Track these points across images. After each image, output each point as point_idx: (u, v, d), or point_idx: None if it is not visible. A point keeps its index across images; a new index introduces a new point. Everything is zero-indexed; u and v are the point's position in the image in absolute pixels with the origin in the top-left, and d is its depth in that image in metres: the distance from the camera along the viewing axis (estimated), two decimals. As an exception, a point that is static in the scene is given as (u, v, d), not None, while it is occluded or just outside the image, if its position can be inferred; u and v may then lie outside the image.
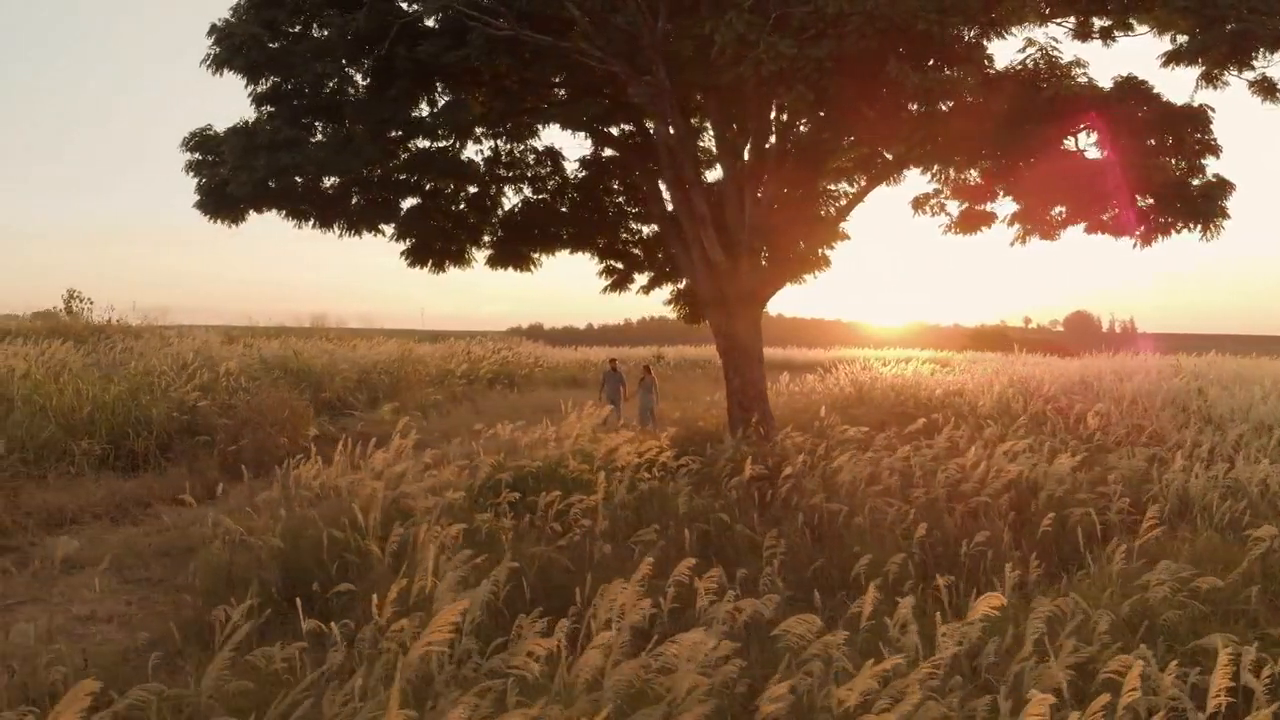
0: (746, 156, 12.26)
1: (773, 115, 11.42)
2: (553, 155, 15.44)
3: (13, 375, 14.29)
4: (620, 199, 15.74)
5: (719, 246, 11.57)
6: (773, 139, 11.14)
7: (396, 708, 3.00)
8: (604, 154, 14.80)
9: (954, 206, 12.03)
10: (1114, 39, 12.76)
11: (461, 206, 15.39)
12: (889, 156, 11.88)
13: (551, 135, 15.77)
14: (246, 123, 12.57)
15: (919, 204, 12.18)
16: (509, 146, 15.21)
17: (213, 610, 7.13)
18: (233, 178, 12.36)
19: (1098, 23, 12.48)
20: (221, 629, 5.24)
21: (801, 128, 11.10)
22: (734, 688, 4.11)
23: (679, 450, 10.65)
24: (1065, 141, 10.22)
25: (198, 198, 13.51)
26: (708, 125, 13.00)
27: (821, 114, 9.69)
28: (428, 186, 14.24)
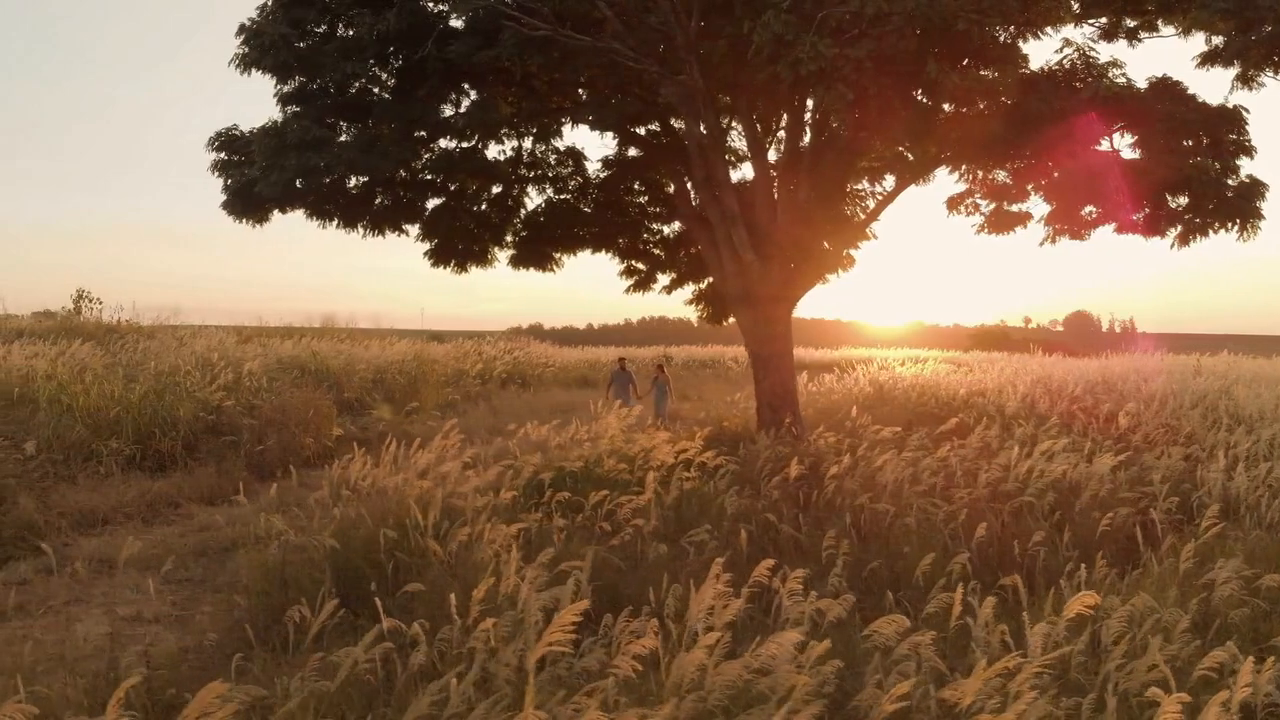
0: (773, 156, 12.29)
1: (807, 115, 11.43)
2: (574, 155, 15.45)
3: (36, 376, 14.27)
4: (642, 199, 15.74)
5: (750, 246, 11.58)
6: (807, 138, 11.13)
7: (531, 707, 2.99)
8: (628, 154, 14.80)
9: (988, 206, 12.05)
10: (1139, 39, 12.80)
11: (483, 207, 15.40)
12: (912, 157, 11.89)
13: (573, 135, 15.89)
14: (275, 123, 12.54)
15: (954, 204, 12.20)
16: (531, 146, 15.23)
17: (262, 611, 7.21)
18: (262, 178, 12.35)
19: (1125, 24, 12.52)
20: (296, 629, 5.22)
21: (836, 127, 11.08)
22: (822, 689, 4.09)
23: (712, 450, 10.62)
24: (1101, 142, 10.23)
25: (224, 198, 13.51)
26: (735, 124, 13.00)
27: (859, 114, 9.67)
28: (452, 187, 14.23)
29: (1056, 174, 11.40)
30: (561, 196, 15.32)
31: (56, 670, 6.03)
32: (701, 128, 11.49)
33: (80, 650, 6.92)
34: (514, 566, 4.93)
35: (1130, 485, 9.12)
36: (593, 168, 15.62)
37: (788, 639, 3.99)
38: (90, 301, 30.47)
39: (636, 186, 15.75)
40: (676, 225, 15.83)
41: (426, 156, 13.30)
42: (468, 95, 12.57)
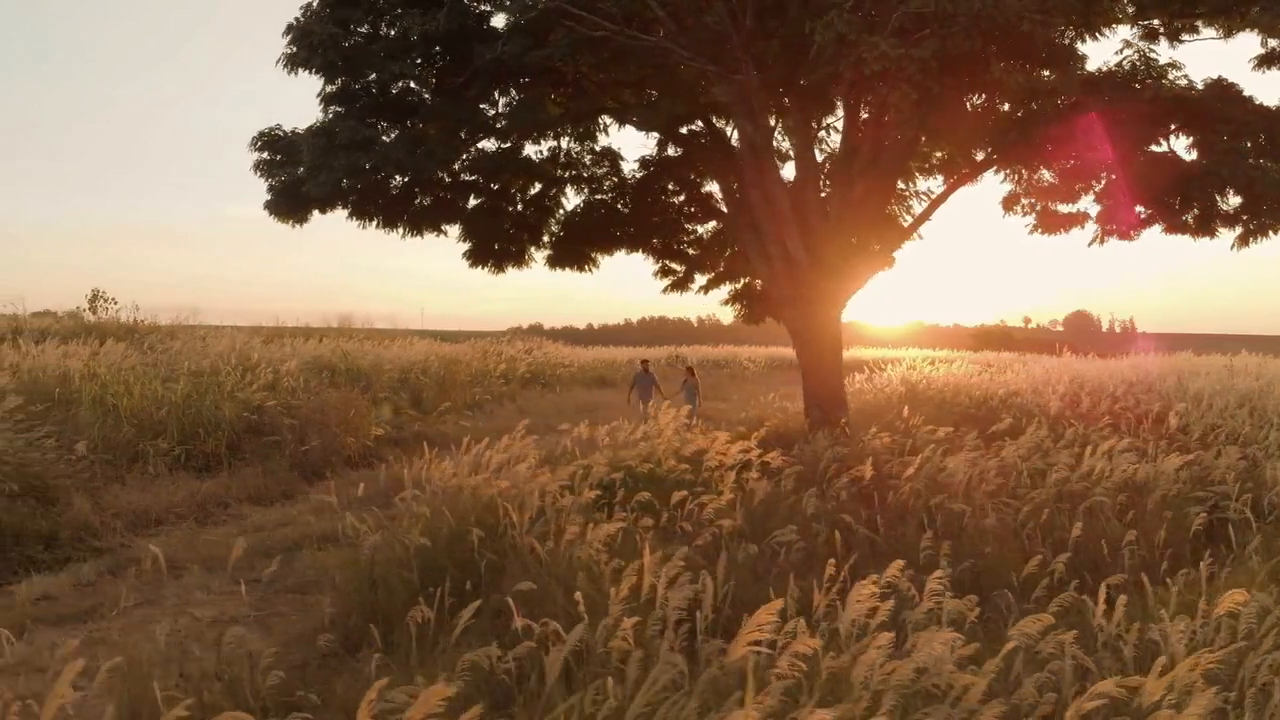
0: (819, 155, 12.32)
1: (862, 115, 11.44)
2: (611, 156, 15.46)
3: (74, 375, 14.23)
4: (677, 199, 15.74)
5: (801, 245, 11.59)
6: (863, 138, 11.14)
7: (752, 705, 2.99)
8: (667, 154, 14.83)
9: (1041, 206, 12.09)
10: (1181, 41, 12.83)
11: (519, 207, 15.40)
12: (977, 157, 11.93)
13: (608, 136, 15.83)
14: (324, 123, 12.52)
15: (1009, 204, 12.24)
16: (567, 146, 15.24)
17: (356, 610, 7.19)
18: (310, 178, 12.34)
19: (1175, 25, 12.54)
20: (417, 627, 5.21)
21: (895, 128, 11.11)
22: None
23: (767, 451, 10.60)
24: (1160, 143, 10.27)
25: (268, 198, 13.50)
26: (782, 124, 12.99)
27: (922, 114, 9.69)
28: (495, 187, 14.23)
29: (1112, 175, 11.45)
30: (600, 196, 15.32)
31: (153, 672, 5.97)
32: (755, 127, 11.49)
33: (167, 653, 6.89)
34: (646, 565, 4.91)
35: (1194, 484, 9.15)
36: (628, 168, 15.67)
37: (943, 637, 3.99)
38: (105, 301, 30.45)
39: (671, 187, 15.77)
40: (712, 225, 15.86)
41: (468, 157, 13.29)
42: (514, 95, 12.54)
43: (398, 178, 12.97)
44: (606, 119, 13.80)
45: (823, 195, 12.14)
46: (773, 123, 12.65)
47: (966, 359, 30.88)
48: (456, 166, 13.73)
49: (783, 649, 3.96)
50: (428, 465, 8.49)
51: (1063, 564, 6.12)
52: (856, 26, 9.48)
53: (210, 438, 13.13)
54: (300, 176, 12.87)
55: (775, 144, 13.91)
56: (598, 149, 15.49)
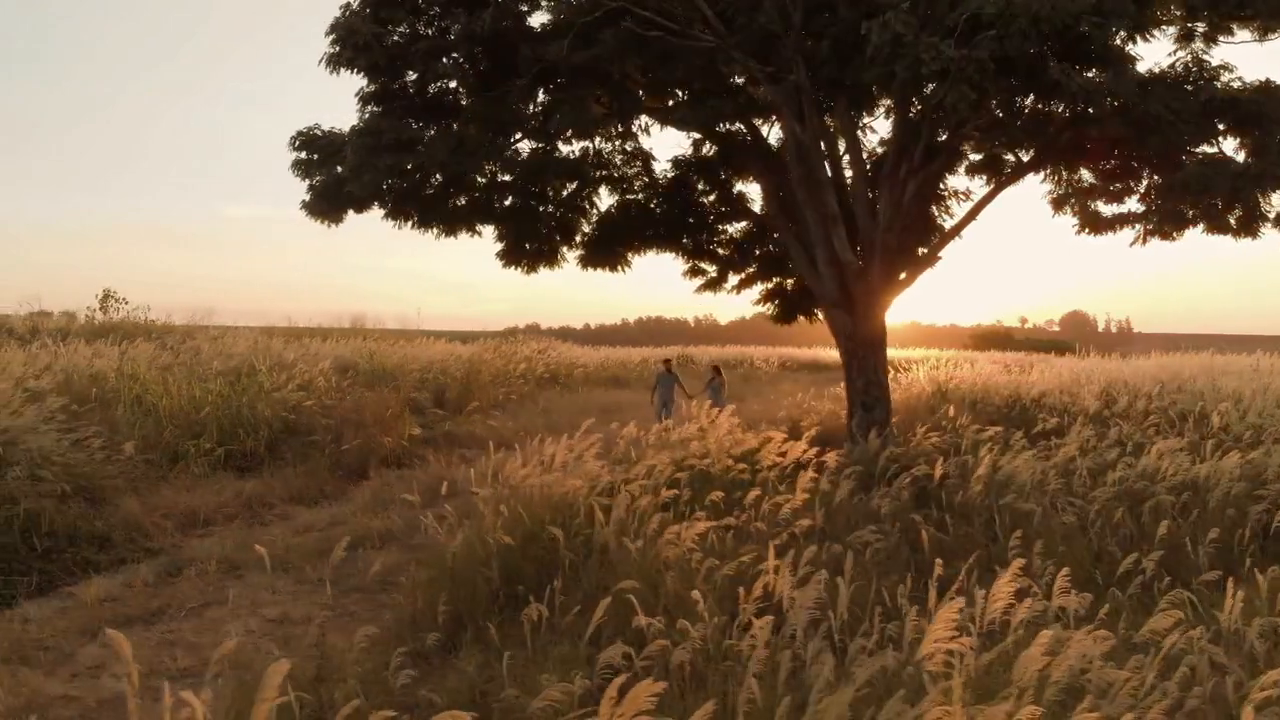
0: (860, 156, 12.33)
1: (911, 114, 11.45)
2: (642, 155, 15.46)
3: (107, 376, 14.21)
4: (708, 198, 15.74)
5: (849, 246, 11.62)
6: (920, 138, 11.15)
7: (960, 702, 3.01)
8: (702, 153, 14.84)
9: (1093, 207, 12.16)
10: (1215, 43, 12.88)
11: (549, 207, 15.38)
12: (1024, 158, 11.97)
13: (646, 136, 15.87)
14: (368, 123, 12.49)
15: (1059, 204, 12.30)
16: (598, 146, 15.24)
17: (440, 608, 7.17)
18: (353, 177, 12.32)
19: (1207, 27, 12.59)
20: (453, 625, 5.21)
21: (950, 128, 11.14)
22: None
23: (816, 450, 10.62)
24: (1211, 144, 10.32)
25: (307, 197, 13.47)
26: (831, 125, 13.00)
27: (979, 115, 9.72)
28: (534, 188, 14.23)
29: (1156, 176, 11.52)
30: (634, 196, 15.33)
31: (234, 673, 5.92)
32: (805, 128, 11.50)
33: (248, 654, 6.88)
34: (772, 564, 4.92)
35: (1250, 483, 9.20)
36: (659, 168, 15.67)
37: (1095, 636, 4.01)
38: (116, 301, 30.36)
39: (701, 186, 15.77)
40: (743, 225, 15.87)
41: (510, 157, 13.28)
42: (557, 96, 12.51)
43: (436, 178, 12.95)
44: (645, 119, 13.82)
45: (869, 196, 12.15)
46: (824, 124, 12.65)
47: (985, 360, 30.95)
48: (494, 167, 13.71)
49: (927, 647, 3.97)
50: (493, 464, 8.44)
51: (1153, 561, 6.15)
52: (913, 27, 9.51)
53: (249, 437, 13.11)
54: (341, 176, 12.85)
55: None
56: (629, 149, 15.52)
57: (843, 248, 11.58)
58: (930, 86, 10.00)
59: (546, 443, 9.19)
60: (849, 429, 12.16)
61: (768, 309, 15.74)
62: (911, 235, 12.19)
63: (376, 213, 13.78)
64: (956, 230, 12.11)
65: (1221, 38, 12.83)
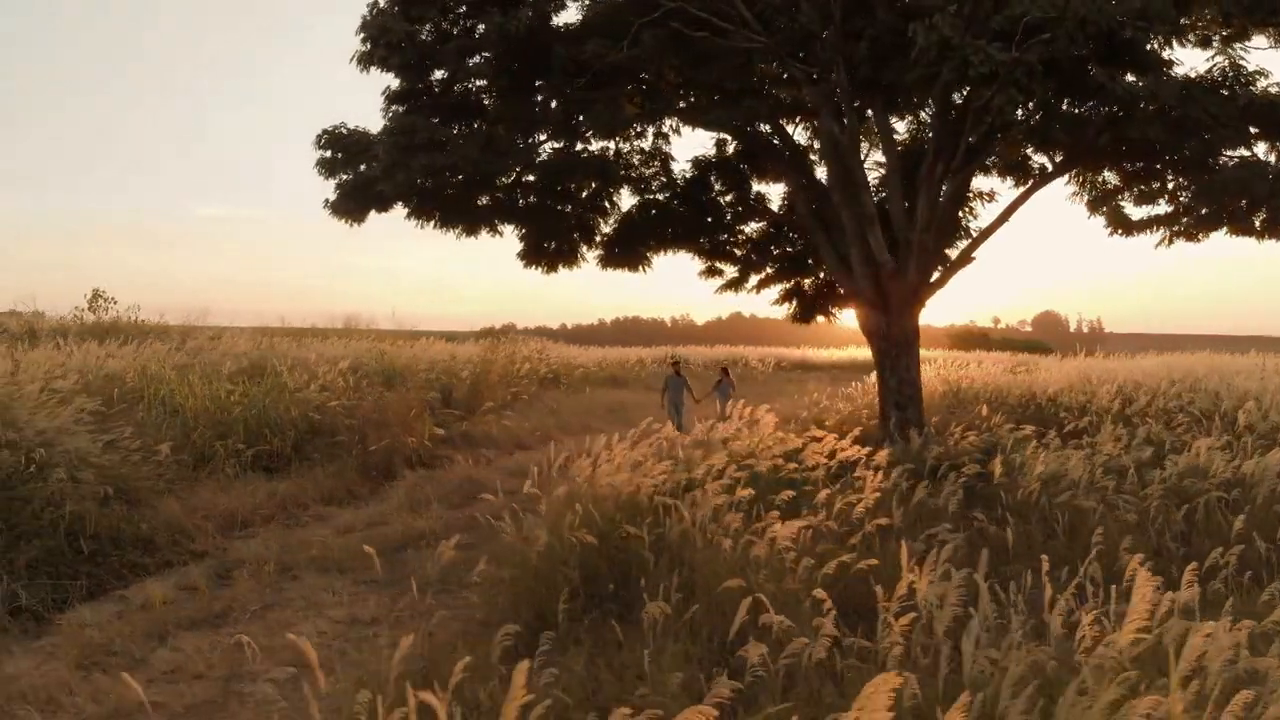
0: (895, 156, 12.43)
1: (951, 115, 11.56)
2: (661, 155, 15.50)
3: (129, 376, 14.03)
4: (726, 198, 15.80)
5: (884, 246, 11.72)
6: (959, 140, 11.25)
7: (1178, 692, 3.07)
8: (725, 153, 14.90)
9: (1130, 208, 12.38)
10: (1234, 48, 13.11)
11: (571, 207, 15.38)
12: (1055, 160, 12.12)
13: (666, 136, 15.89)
14: (401, 122, 12.41)
15: (1094, 206, 12.48)
16: (617, 146, 15.25)
17: (526, 608, 7.14)
18: (385, 177, 12.25)
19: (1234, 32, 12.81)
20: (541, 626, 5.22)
21: (989, 130, 11.26)
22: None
23: (859, 448, 10.68)
24: (1248, 147, 10.53)
25: (333, 196, 13.38)
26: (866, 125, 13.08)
27: (1024, 118, 9.86)
28: (559, 188, 14.22)
29: (1181, 179, 11.73)
30: (656, 196, 15.36)
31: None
32: (843, 128, 11.59)
33: (327, 657, 6.84)
34: (904, 560, 4.97)
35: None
36: (678, 168, 15.72)
37: (1239, 627, 4.09)
38: (105, 301, 29.84)
39: (720, 186, 15.83)
40: (762, 225, 15.95)
41: (540, 157, 13.27)
42: (593, 95, 12.49)
43: (459, 177, 12.91)
44: (671, 119, 13.84)
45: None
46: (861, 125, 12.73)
47: (989, 361, 31.26)
48: (521, 167, 13.70)
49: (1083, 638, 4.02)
50: (553, 463, 8.44)
51: (1234, 556, 6.26)
52: (960, 30, 9.61)
53: (276, 438, 13.00)
54: (370, 175, 12.78)
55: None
56: (646, 149, 15.55)
57: (879, 248, 11.68)
58: (966, 90, 10.11)
59: (597, 441, 9.14)
60: (883, 428, 12.26)
61: (787, 309, 15.81)
62: (943, 235, 12.32)
63: (410, 211, 13.73)
64: (989, 231, 12.25)
65: (1237, 44, 13.07)
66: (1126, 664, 4.01)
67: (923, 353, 39.00)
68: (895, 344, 12.18)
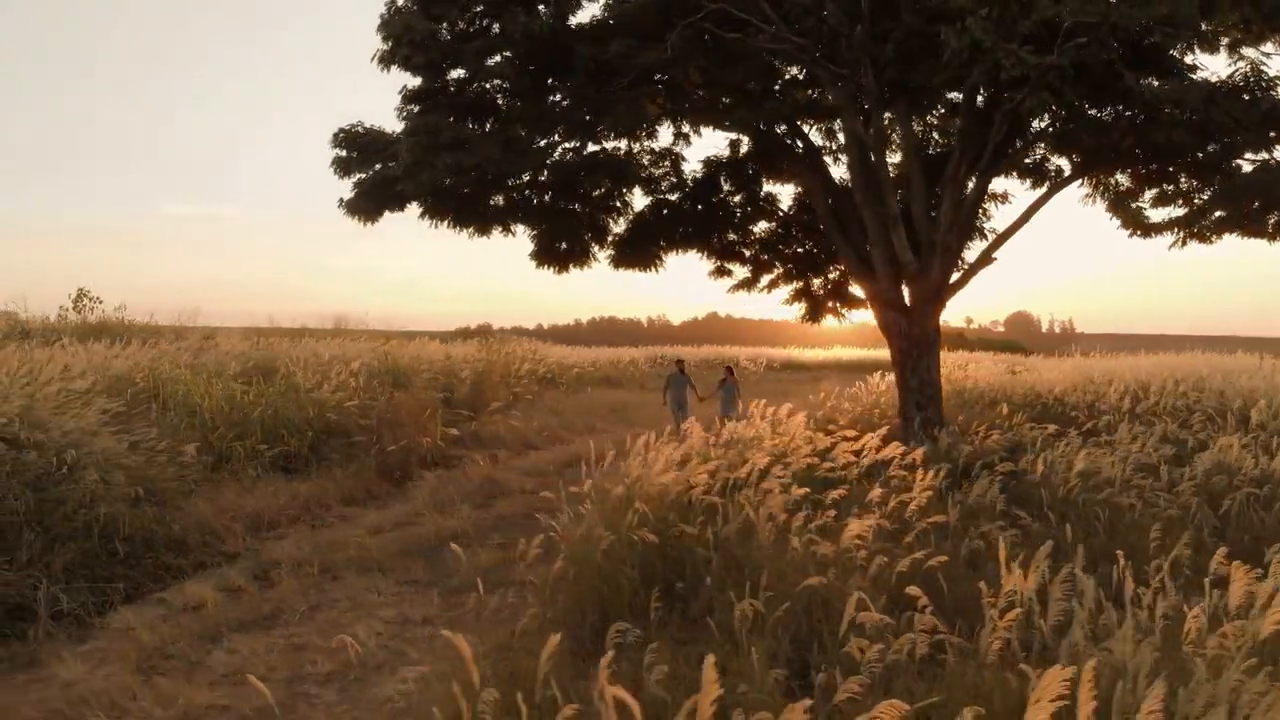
0: (919, 158, 12.58)
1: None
2: (672, 156, 15.54)
3: (139, 376, 13.87)
4: (738, 198, 15.87)
5: (908, 247, 11.83)
6: (986, 142, 11.38)
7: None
8: (739, 154, 14.97)
9: (1146, 210, 12.59)
10: (1239, 54, 13.36)
11: (584, 207, 15.38)
12: (1074, 161, 12.29)
13: (669, 136, 16.00)
14: (424, 121, 12.34)
15: (1115, 208, 12.65)
16: (629, 146, 15.27)
17: (578, 610, 7.15)
18: (409, 176, 12.20)
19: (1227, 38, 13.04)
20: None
21: (1016, 132, 11.41)
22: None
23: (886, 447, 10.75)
24: (1269, 151, 10.74)
25: (350, 195, 13.31)
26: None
27: (1050, 121, 10.00)
28: (573, 188, 14.23)
29: (1195, 181, 11.96)
30: (669, 196, 15.41)
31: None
32: (865, 129, 11.69)
33: (383, 657, 6.81)
34: (1003, 556, 5.04)
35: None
36: (688, 168, 15.76)
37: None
38: (90, 301, 29.42)
39: (729, 187, 15.89)
40: (771, 225, 16.04)
41: (560, 157, 13.29)
42: (615, 96, 12.51)
43: (489, 176, 12.88)
44: (690, 120, 13.88)
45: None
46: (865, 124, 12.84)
47: (973, 360, 31.55)
48: (541, 167, 13.70)
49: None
50: (618, 462, 8.44)
51: None
52: (991, 34, 9.72)
53: (293, 439, 12.91)
54: (390, 174, 12.73)
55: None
56: (656, 149, 15.58)
57: (902, 248, 11.79)
58: (991, 92, 10.22)
59: (640, 441, 9.14)
60: (905, 428, 12.36)
61: (797, 309, 15.91)
62: (962, 237, 12.47)
63: (424, 210, 13.68)
64: (1010, 232, 12.40)
65: (1244, 48, 13.31)
66: (1251, 654, 4.07)
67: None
68: (916, 344, 12.30)
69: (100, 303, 29.26)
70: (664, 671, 5.51)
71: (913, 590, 5.08)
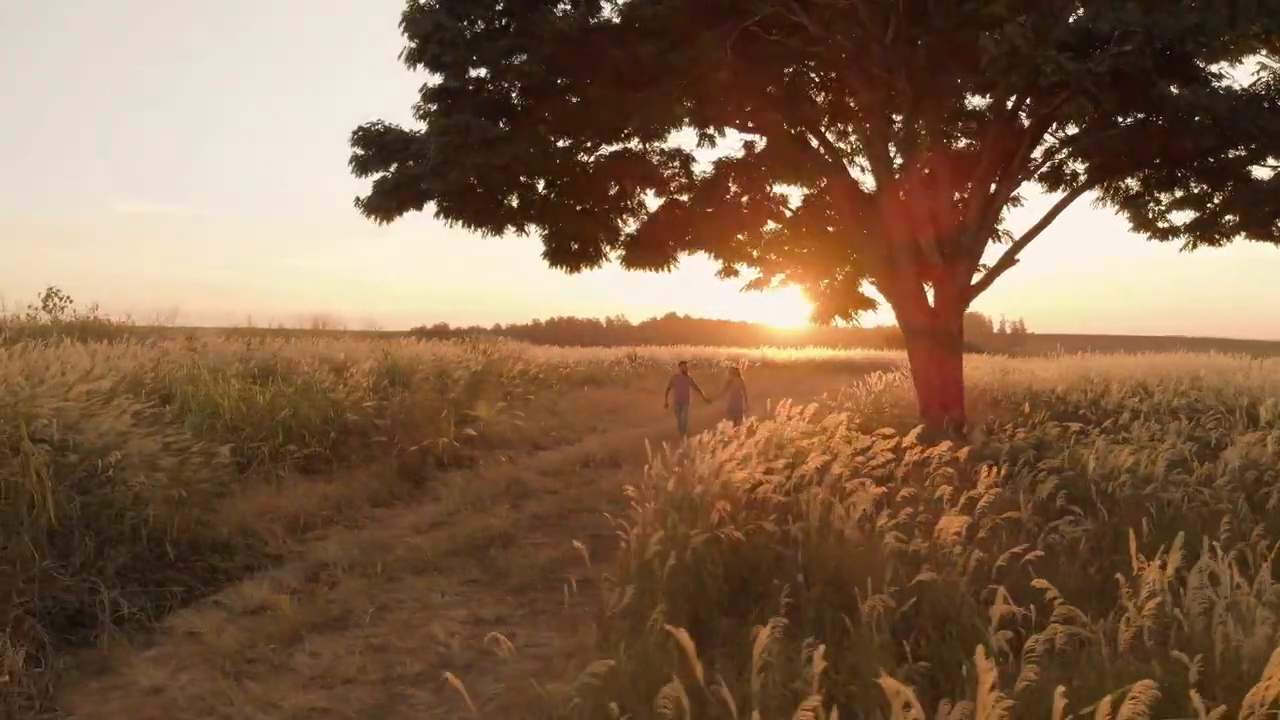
0: (947, 160, 12.83)
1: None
2: (681, 156, 15.65)
3: (148, 377, 13.62)
4: (748, 199, 16.00)
5: (935, 247, 12.05)
6: (1018, 146, 11.64)
7: None
8: (755, 154, 15.12)
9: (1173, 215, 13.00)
10: (1240, 61, 13.82)
11: (597, 207, 15.42)
12: (1091, 165, 12.61)
13: (678, 137, 16.07)
14: (452, 121, 12.29)
15: (1133, 214, 13.03)
16: (642, 146, 15.35)
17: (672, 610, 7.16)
18: (435, 175, 12.15)
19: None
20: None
21: (1039, 135, 11.66)
22: None
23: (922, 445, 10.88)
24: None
25: (369, 194, 13.23)
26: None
27: (1090, 124, 10.27)
28: (589, 188, 14.27)
29: (1205, 185, 12.35)
30: (672, 196, 15.51)
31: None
32: (895, 131, 11.90)
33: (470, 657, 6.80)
34: (1132, 548, 5.19)
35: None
36: (697, 169, 15.88)
37: None
38: (60, 300, 28.69)
39: (736, 188, 16.02)
40: (780, 226, 16.19)
41: (590, 157, 13.33)
42: (645, 96, 12.56)
43: (522, 176, 12.87)
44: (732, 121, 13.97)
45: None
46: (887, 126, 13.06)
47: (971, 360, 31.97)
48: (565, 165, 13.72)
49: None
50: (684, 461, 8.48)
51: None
52: (1029, 41, 9.96)
53: (315, 440, 12.77)
54: (414, 173, 12.66)
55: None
56: (666, 148, 15.67)
57: (930, 250, 12.00)
58: (1017, 97, 10.45)
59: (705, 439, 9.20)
60: (931, 426, 12.55)
61: (813, 308, 16.08)
62: (981, 237, 12.73)
63: (440, 209, 13.63)
64: (1032, 234, 12.67)
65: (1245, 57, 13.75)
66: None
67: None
68: (943, 344, 12.53)
69: (70, 301, 28.58)
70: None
71: (1039, 583, 5.20)
